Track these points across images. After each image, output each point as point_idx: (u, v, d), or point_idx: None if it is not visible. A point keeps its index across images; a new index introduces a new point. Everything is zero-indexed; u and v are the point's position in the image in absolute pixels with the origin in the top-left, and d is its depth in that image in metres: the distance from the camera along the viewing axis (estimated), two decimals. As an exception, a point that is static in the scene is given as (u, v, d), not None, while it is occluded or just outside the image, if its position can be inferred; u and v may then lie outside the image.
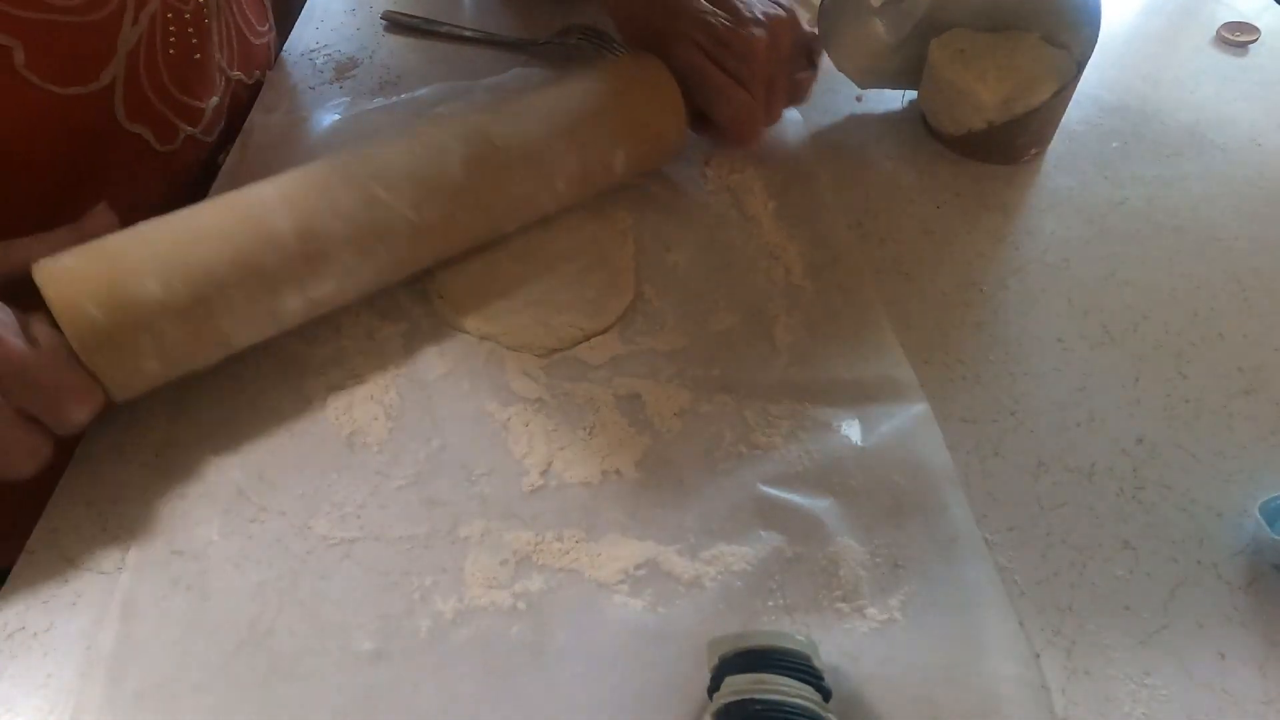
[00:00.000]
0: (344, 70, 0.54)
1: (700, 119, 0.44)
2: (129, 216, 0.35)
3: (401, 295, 0.41)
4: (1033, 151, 0.48)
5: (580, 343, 0.39)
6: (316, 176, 0.36)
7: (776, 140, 0.49)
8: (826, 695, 0.26)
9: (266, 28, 0.54)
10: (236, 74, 0.50)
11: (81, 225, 0.35)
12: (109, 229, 0.34)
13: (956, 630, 0.30)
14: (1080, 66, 0.45)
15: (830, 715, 0.25)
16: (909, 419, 0.36)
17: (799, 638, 0.27)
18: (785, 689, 0.25)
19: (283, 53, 0.56)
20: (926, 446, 0.35)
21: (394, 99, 0.52)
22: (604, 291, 0.41)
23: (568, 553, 0.32)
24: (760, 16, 0.43)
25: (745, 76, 0.43)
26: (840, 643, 0.30)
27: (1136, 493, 0.34)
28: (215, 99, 0.48)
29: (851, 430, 0.36)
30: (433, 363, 0.38)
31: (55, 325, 0.31)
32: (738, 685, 0.25)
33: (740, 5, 0.43)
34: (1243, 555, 0.33)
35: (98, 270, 0.32)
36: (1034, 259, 0.43)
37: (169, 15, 0.43)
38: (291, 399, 0.37)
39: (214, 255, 0.33)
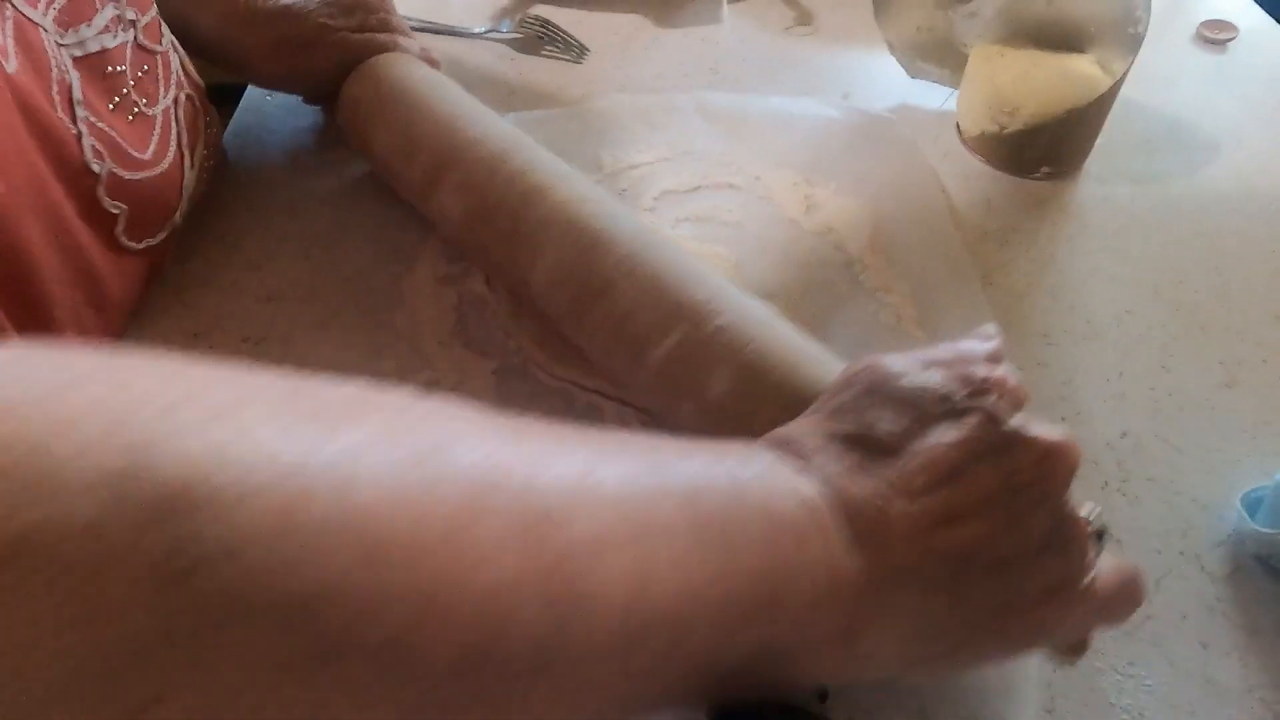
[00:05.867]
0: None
1: None
2: None
3: (494, 330, 0.39)
4: (1044, 170, 0.47)
5: None
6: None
7: (886, 164, 0.46)
8: (823, 695, 0.26)
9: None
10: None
11: None
12: None
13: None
14: (1111, 91, 0.45)
15: (827, 713, 0.25)
16: None
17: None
18: (778, 684, 0.25)
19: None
20: None
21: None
22: None
23: None
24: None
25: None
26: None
27: (1121, 485, 0.35)
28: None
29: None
30: (524, 407, 0.36)
31: None
32: (730, 681, 0.25)
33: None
34: (1225, 546, 0.33)
35: None
36: (1018, 254, 0.44)
37: (206, 152, 0.42)
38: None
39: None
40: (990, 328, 0.27)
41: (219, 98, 0.50)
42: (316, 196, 0.45)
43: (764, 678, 0.22)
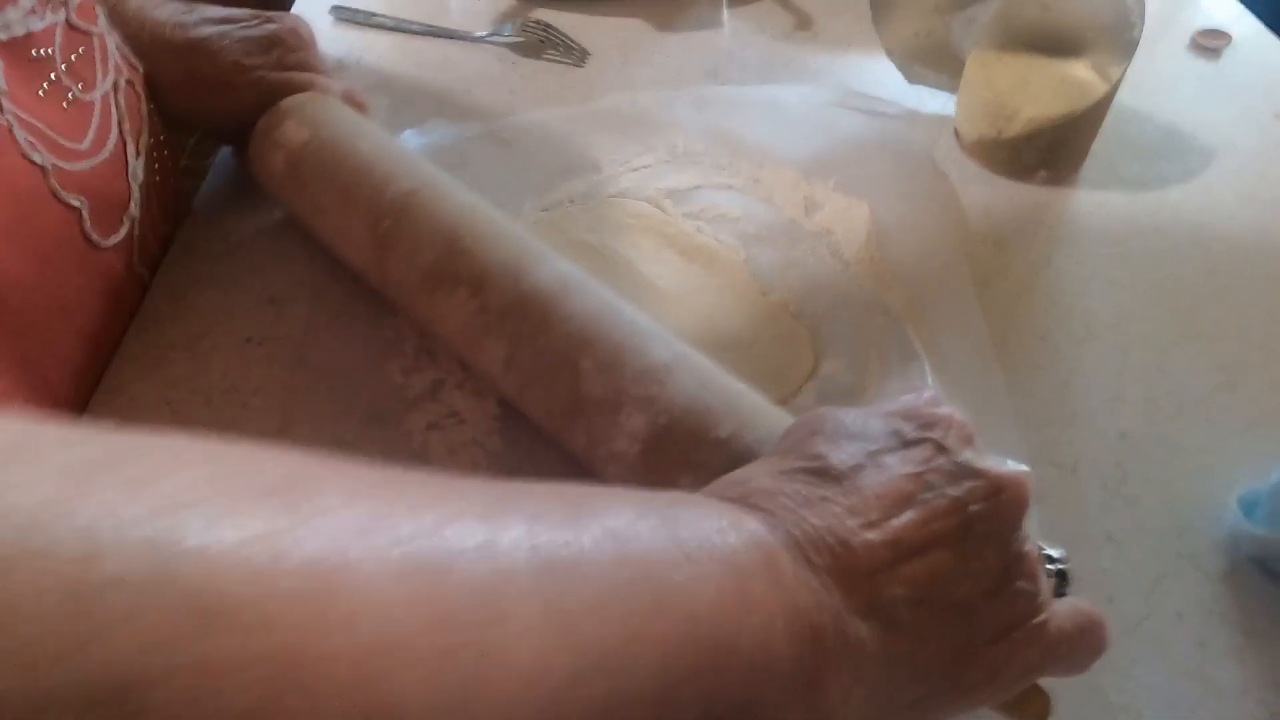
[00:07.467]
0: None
1: None
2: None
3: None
4: (1042, 174, 0.48)
5: None
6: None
7: (888, 163, 0.47)
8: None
9: None
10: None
11: None
12: None
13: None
14: (1107, 95, 0.45)
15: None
16: None
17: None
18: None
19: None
20: None
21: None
22: (783, 348, 0.38)
23: None
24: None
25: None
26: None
27: (1119, 486, 0.35)
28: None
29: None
30: None
31: None
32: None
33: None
34: (1221, 546, 0.33)
35: None
36: (1016, 257, 0.44)
37: (153, 140, 0.40)
38: (390, 435, 0.35)
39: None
40: (923, 384, 0.27)
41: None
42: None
43: None
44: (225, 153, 0.48)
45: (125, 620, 0.12)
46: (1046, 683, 0.26)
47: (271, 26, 0.43)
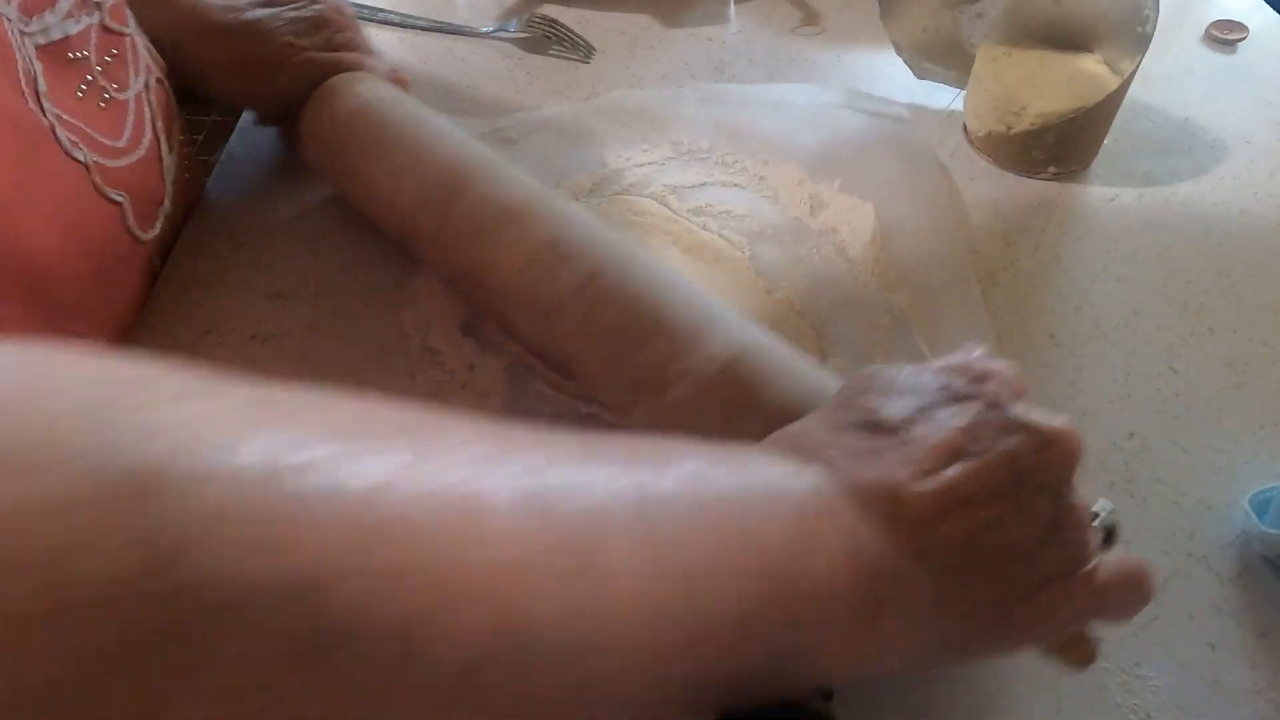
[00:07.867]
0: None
1: None
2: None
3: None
4: (1052, 170, 0.47)
5: None
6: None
7: (894, 162, 0.46)
8: (829, 695, 0.26)
9: None
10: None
11: None
12: None
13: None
14: (1119, 90, 0.44)
15: (831, 712, 0.25)
16: None
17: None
18: (784, 684, 0.25)
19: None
20: None
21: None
22: None
23: None
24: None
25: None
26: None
27: (1128, 486, 0.35)
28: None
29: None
30: (534, 404, 0.36)
31: None
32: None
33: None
34: (1232, 547, 0.33)
35: None
36: (1025, 254, 0.44)
37: (182, 138, 0.41)
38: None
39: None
40: (973, 344, 0.27)
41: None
42: (325, 194, 0.45)
43: (784, 676, 0.21)
44: (231, 149, 0.48)
45: (314, 530, 0.14)
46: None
47: (318, 7, 0.44)
